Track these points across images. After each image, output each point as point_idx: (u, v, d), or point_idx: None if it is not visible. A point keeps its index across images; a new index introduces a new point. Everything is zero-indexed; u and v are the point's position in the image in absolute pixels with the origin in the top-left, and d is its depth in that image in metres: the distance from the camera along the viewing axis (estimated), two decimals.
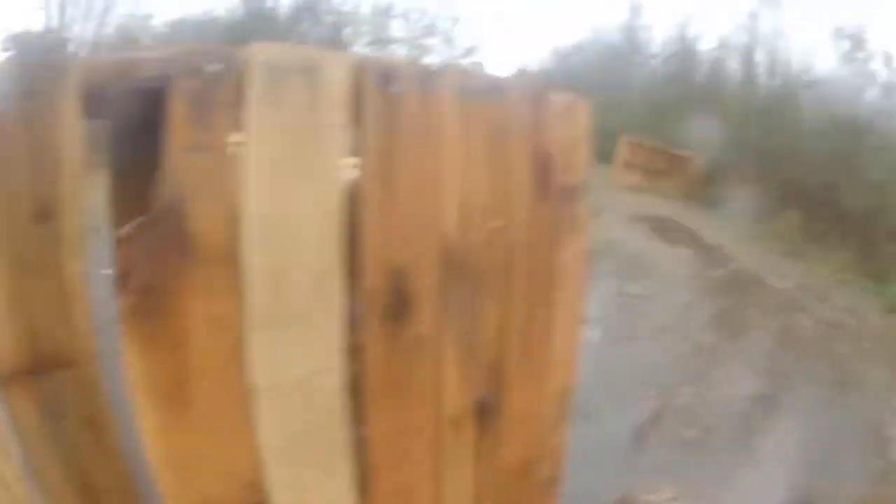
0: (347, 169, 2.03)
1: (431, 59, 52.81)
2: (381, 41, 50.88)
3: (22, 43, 32.84)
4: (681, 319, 9.93)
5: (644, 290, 10.65)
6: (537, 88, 2.45)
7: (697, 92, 34.49)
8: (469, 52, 53.47)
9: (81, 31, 31.59)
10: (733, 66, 35.24)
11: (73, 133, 1.90)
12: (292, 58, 1.93)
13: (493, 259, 2.34)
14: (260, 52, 1.88)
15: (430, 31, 51.97)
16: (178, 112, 1.80)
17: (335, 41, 47.53)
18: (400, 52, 51.44)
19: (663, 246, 15.37)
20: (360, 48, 50.20)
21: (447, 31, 52.24)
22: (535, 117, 2.40)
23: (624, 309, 9.59)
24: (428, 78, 2.11)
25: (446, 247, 2.21)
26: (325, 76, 1.95)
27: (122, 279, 1.79)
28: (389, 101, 2.05)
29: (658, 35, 41.07)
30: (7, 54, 34.05)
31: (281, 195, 1.92)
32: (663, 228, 17.75)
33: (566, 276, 2.56)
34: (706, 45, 37.76)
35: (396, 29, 51.54)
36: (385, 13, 50.55)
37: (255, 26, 38.65)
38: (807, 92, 31.60)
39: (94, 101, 1.90)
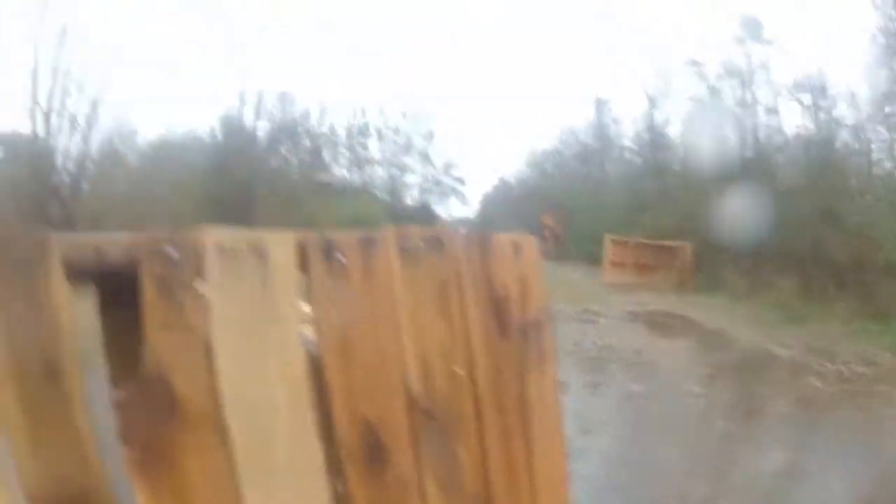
0: (305, 338, 2.25)
1: (410, 177, 53.53)
2: (360, 162, 51.66)
3: (9, 145, 33.37)
4: (688, 412, 9.90)
5: (647, 389, 10.64)
6: (481, 233, 2.59)
7: (673, 177, 34.86)
8: (447, 167, 54.18)
9: (67, 140, 32.37)
10: (705, 143, 36.08)
11: (65, 300, 2.06)
12: (241, 240, 2.15)
13: (460, 403, 2.53)
14: (212, 237, 2.09)
15: (406, 149, 52.77)
16: (149, 293, 2.04)
17: (314, 164, 48.25)
18: (378, 173, 52.16)
19: (662, 341, 15.45)
20: (339, 169, 50.95)
21: (423, 149, 53.10)
22: (483, 261, 2.57)
23: (630, 411, 9.58)
24: (369, 244, 2.30)
25: (412, 398, 2.40)
26: (272, 255, 2.18)
27: (124, 436, 2.02)
28: (334, 271, 2.29)
29: (627, 127, 41.75)
30: None
31: (248, 366, 2.13)
32: (660, 323, 17.86)
33: (540, 408, 2.72)
34: (674, 128, 38.34)
35: (374, 149, 52.52)
36: (361, 133, 51.48)
37: (234, 149, 39.49)
38: (778, 155, 32.10)
39: (75, 275, 2.08)
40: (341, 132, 51.47)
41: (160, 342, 2.04)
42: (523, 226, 42.43)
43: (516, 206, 48.09)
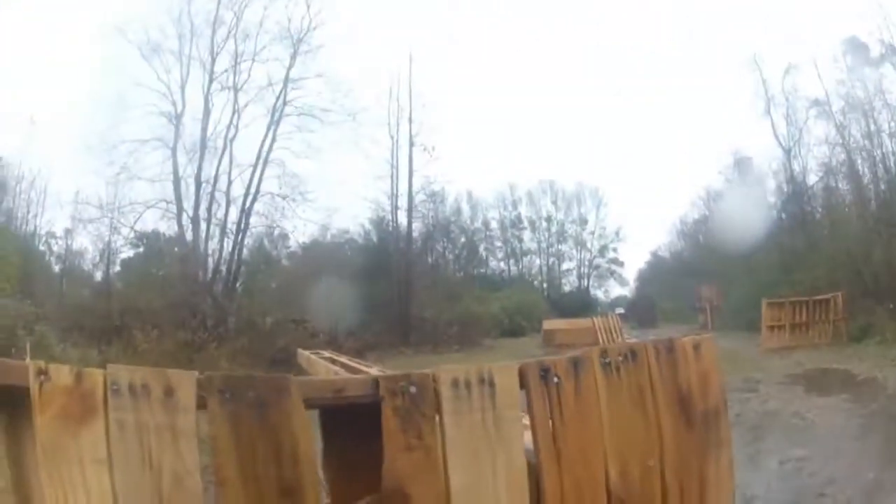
0: (527, 448, 2.64)
1: (566, 265, 53.79)
2: (516, 254, 52.28)
3: (151, 244, 34.84)
4: (849, 468, 9.82)
5: (808, 452, 10.58)
6: (668, 341, 2.94)
7: (817, 227, 34.13)
8: (602, 250, 54.31)
9: (219, 244, 33.76)
10: (840, 185, 35.34)
11: (304, 433, 2.52)
12: (472, 372, 2.61)
13: (651, 490, 2.83)
14: (446, 373, 2.58)
15: (561, 236, 53.22)
16: (391, 423, 2.52)
17: (471, 259, 49.07)
18: (535, 263, 52.56)
19: (818, 399, 15.21)
20: (496, 262, 51.63)
21: (577, 234, 53.45)
22: (669, 364, 2.89)
23: (791, 476, 9.54)
24: (577, 363, 2.68)
25: (610, 491, 2.75)
26: (498, 382, 2.63)
27: None
28: (549, 391, 2.69)
29: (769, 182, 40.68)
30: (137, 250, 35.97)
31: (477, 480, 2.56)
32: (815, 381, 17.54)
33: (715, 488, 2.99)
34: (812, 177, 37.31)
35: (528, 239, 53.13)
36: (514, 226, 52.18)
37: (388, 247, 40.49)
38: None
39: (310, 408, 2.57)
40: (495, 225, 52.55)
41: (401, 462, 2.51)
42: (680, 298, 42.12)
43: (671, 280, 47.33)
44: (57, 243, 36.61)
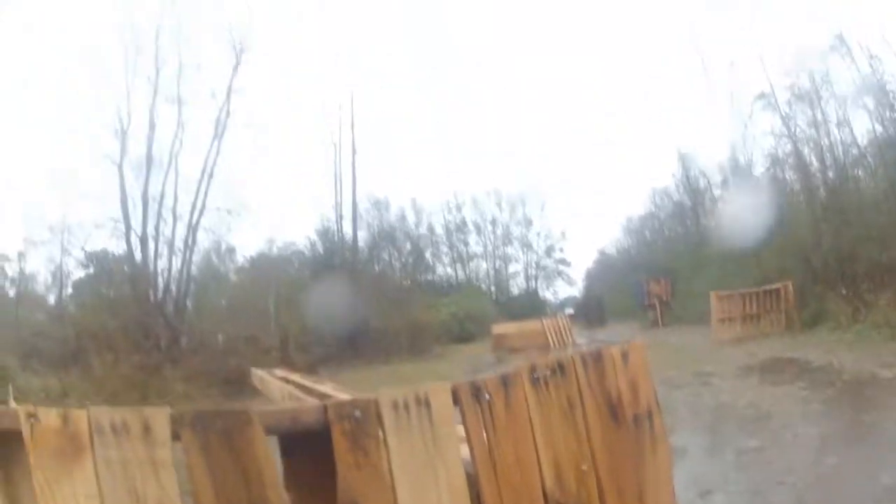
0: (464, 459, 2.98)
1: (513, 268, 53.94)
2: (462, 258, 52.33)
3: (101, 264, 34.61)
4: (800, 454, 10.04)
5: (763, 442, 10.79)
6: (594, 351, 3.22)
7: (766, 218, 34.43)
8: (548, 251, 54.55)
9: (166, 262, 33.63)
10: (788, 176, 35.74)
11: (267, 458, 2.86)
12: (409, 394, 2.94)
13: (588, 493, 3.14)
14: (386, 396, 2.92)
15: (507, 239, 53.34)
16: (341, 445, 2.87)
17: (418, 265, 49.10)
18: (482, 266, 52.69)
19: (773, 388, 15.41)
20: (443, 267, 51.68)
21: (522, 237, 53.60)
22: (597, 373, 3.19)
23: (747, 466, 9.72)
24: (506, 380, 3.02)
25: (547, 495, 3.08)
26: (433, 402, 2.96)
27: None
28: (482, 407, 3.02)
29: (714, 175, 41.18)
30: (87, 271, 35.64)
31: (422, 491, 2.92)
32: (769, 371, 17.78)
33: (655, 483, 3.28)
34: (759, 168, 37.76)
35: (474, 243, 53.15)
36: (460, 230, 52.20)
37: (334, 258, 40.51)
38: (857, 167, 31.70)
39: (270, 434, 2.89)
40: (440, 230, 52.54)
41: (352, 479, 2.86)
42: (629, 295, 42.42)
43: (620, 277, 47.27)
44: (11, 267, 36.31)
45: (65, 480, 2.74)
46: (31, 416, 2.72)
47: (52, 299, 37.18)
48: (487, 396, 2.93)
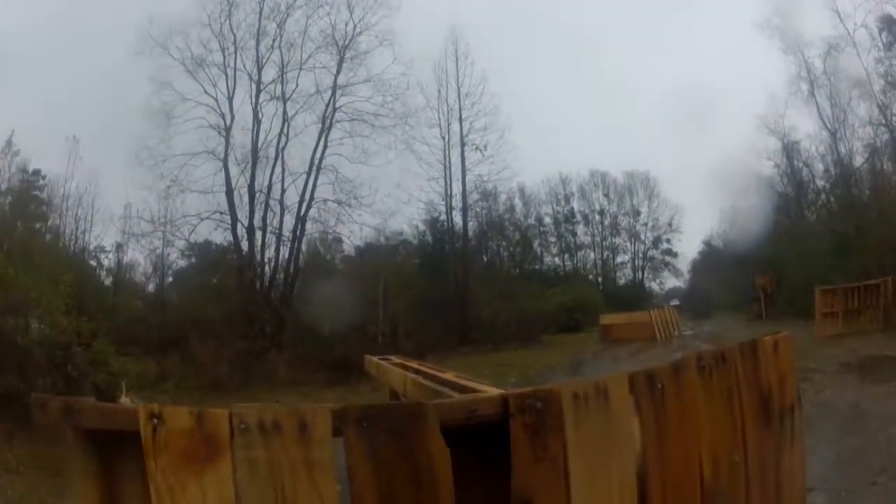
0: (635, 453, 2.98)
1: (621, 258, 53.63)
2: (570, 249, 52.20)
3: (205, 254, 35.15)
4: None
5: (862, 442, 10.73)
6: (751, 342, 3.26)
7: (868, 210, 33.69)
8: (655, 242, 54.07)
9: (274, 252, 34.15)
10: (888, 165, 35.65)
11: (442, 456, 2.81)
12: (589, 386, 2.92)
13: (736, 484, 3.13)
14: (567, 387, 2.89)
15: (614, 230, 53.05)
16: (520, 438, 2.83)
17: (526, 256, 49.02)
18: (590, 257, 52.51)
19: (873, 387, 15.24)
20: (550, 257, 51.62)
21: (630, 227, 53.22)
22: (753, 364, 3.20)
23: (844, 466, 9.68)
24: (678, 369, 3.03)
25: (705, 485, 3.06)
26: (611, 392, 2.94)
27: None
28: (655, 395, 3.00)
29: (817, 166, 40.32)
30: (189, 261, 36.29)
31: (595, 483, 2.90)
32: (869, 369, 17.51)
33: (790, 478, 3.28)
34: (858, 158, 36.92)
35: (582, 234, 53.05)
36: (568, 220, 52.06)
37: (443, 247, 40.59)
38: None
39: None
40: (548, 221, 52.71)
41: (529, 474, 2.82)
42: (734, 288, 41.80)
43: (725, 269, 46.41)
44: (107, 258, 37.65)
45: (192, 485, 2.71)
46: (153, 416, 2.71)
47: (150, 288, 38.84)
48: (660, 385, 2.96)
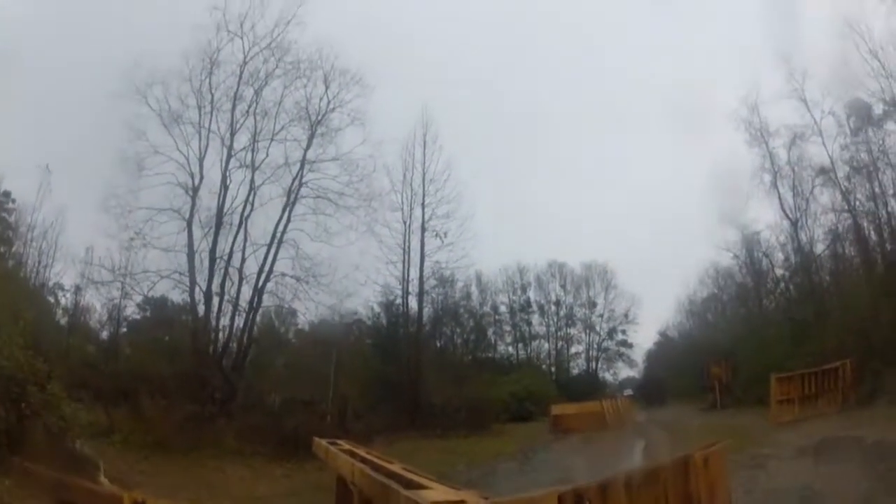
0: None
1: (575, 349, 53.71)
2: (524, 338, 52.21)
3: (160, 310, 34.98)
4: None
5: None
6: (682, 458, 3.24)
7: (827, 296, 34.15)
8: (610, 333, 54.20)
9: (230, 320, 33.94)
10: (848, 250, 35.82)
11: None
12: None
13: None
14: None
15: (569, 320, 53.13)
16: None
17: (480, 343, 48.99)
18: (544, 346, 52.57)
19: (826, 468, 15.38)
20: (504, 346, 51.61)
21: (586, 318, 53.40)
22: (683, 478, 3.16)
23: None
24: (606, 487, 3.00)
25: None
26: None
27: None
28: None
29: (776, 255, 40.77)
30: (144, 314, 35.81)
31: None
32: (824, 451, 17.61)
33: None
34: (820, 245, 37.39)
35: (537, 324, 53.13)
36: (524, 310, 52.14)
37: (397, 330, 40.57)
38: None
39: None
40: (504, 310, 52.67)
41: None
42: (689, 377, 41.93)
43: (680, 358, 46.78)
44: (65, 296, 36.78)
45: None
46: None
47: (105, 335, 37.76)
48: (588, 502, 2.92)
